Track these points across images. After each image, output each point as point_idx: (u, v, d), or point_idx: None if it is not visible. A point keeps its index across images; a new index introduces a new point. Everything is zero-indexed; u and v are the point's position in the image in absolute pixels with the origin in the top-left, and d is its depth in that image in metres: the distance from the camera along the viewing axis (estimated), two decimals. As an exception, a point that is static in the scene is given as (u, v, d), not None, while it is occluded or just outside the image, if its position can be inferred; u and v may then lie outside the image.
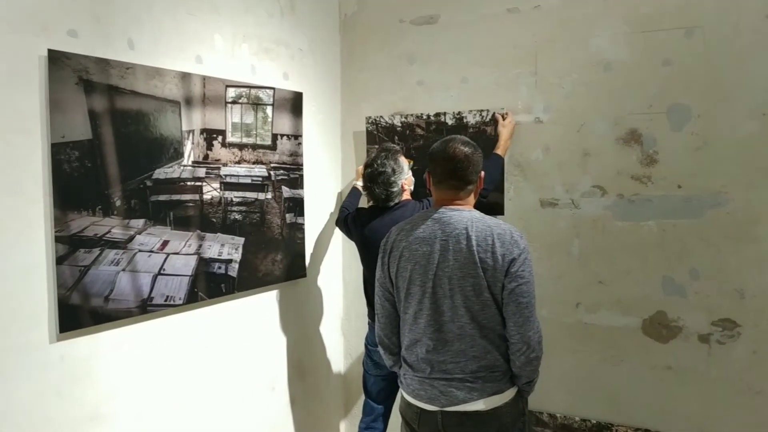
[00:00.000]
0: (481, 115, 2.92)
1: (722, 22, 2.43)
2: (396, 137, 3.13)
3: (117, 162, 2.18)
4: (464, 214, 1.98)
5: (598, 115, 2.68)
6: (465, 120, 2.96)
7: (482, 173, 2.06)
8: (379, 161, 2.63)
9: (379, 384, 2.83)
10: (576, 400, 2.77)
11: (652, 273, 2.60)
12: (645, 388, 2.62)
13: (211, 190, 2.58)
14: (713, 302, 2.48)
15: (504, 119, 2.85)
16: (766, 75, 2.36)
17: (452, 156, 2.00)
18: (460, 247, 1.93)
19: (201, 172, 2.53)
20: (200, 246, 2.51)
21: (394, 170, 2.61)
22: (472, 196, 2.07)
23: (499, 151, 2.80)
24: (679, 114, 2.52)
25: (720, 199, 2.46)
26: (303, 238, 3.07)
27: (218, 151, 2.60)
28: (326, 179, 3.29)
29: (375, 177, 2.63)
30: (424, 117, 3.06)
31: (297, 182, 3.02)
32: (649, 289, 2.60)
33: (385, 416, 2.87)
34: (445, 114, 3.01)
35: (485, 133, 2.90)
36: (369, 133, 3.21)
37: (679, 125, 2.52)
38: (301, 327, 3.12)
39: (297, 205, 3.03)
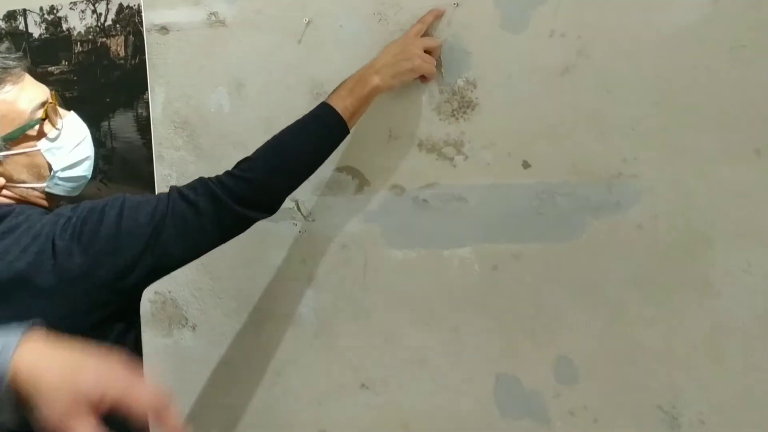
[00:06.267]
0: (95, 13, 1.29)
1: None
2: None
3: None
4: None
5: (344, 4, 1.15)
6: (66, 25, 1.31)
7: None
8: None
9: None
10: None
11: (474, 371, 1.13)
12: None
13: None
14: (609, 434, 1.07)
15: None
16: None
17: None
18: None
19: None
20: None
21: None
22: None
23: (343, 92, 1.01)
24: (519, -11, 1.04)
25: (618, 190, 1.02)
26: None
27: None
28: None
29: None
30: (-12, 22, 1.38)
31: None
32: (471, 405, 1.14)
33: None
34: (25, 13, 1.35)
35: (108, 51, 1.28)
36: None
37: (522, 13, 1.04)
38: None
39: None
